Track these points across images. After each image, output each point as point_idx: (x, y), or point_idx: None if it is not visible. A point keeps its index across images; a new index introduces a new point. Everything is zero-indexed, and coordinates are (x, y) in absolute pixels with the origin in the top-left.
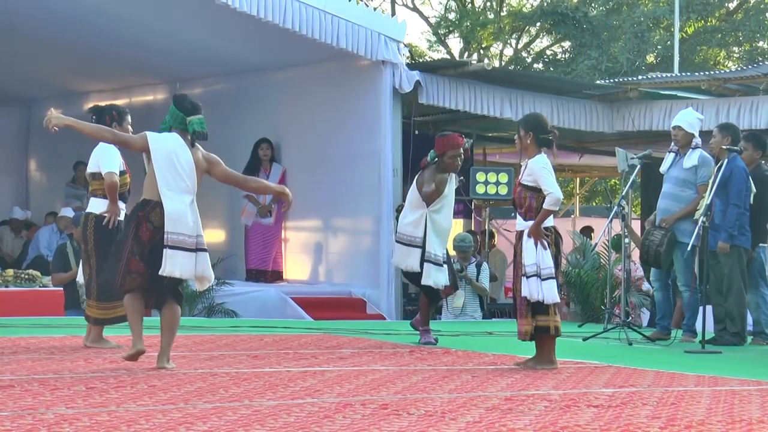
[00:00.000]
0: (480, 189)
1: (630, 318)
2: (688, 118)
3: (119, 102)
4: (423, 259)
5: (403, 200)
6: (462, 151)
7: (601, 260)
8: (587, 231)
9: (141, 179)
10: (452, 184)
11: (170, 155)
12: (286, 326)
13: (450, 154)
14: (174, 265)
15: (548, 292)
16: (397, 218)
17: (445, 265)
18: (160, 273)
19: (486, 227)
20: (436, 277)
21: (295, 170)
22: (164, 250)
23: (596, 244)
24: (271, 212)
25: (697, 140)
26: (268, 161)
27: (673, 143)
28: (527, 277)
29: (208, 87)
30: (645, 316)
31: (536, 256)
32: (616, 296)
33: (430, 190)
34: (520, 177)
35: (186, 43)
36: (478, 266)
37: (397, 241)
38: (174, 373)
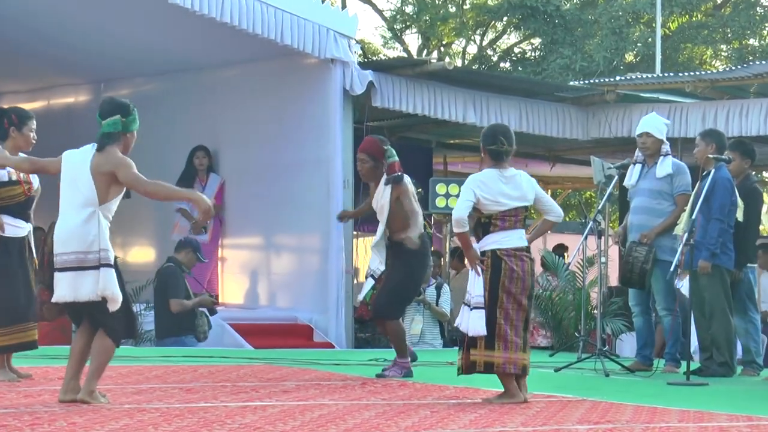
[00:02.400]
0: (440, 202)
1: (607, 346)
2: (656, 123)
3: (37, 105)
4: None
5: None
6: (366, 157)
7: (576, 281)
8: (560, 249)
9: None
10: (381, 194)
11: (74, 169)
12: (223, 356)
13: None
14: (63, 289)
15: (472, 323)
16: None
17: (370, 279)
18: (53, 300)
19: (447, 245)
20: (362, 293)
21: (234, 181)
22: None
23: (570, 263)
24: (207, 228)
25: (666, 146)
26: (204, 171)
27: (637, 153)
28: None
29: (137, 88)
30: (626, 342)
31: (469, 282)
32: (592, 322)
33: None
34: None
35: (112, 38)
36: (438, 288)
37: None
38: (97, 409)
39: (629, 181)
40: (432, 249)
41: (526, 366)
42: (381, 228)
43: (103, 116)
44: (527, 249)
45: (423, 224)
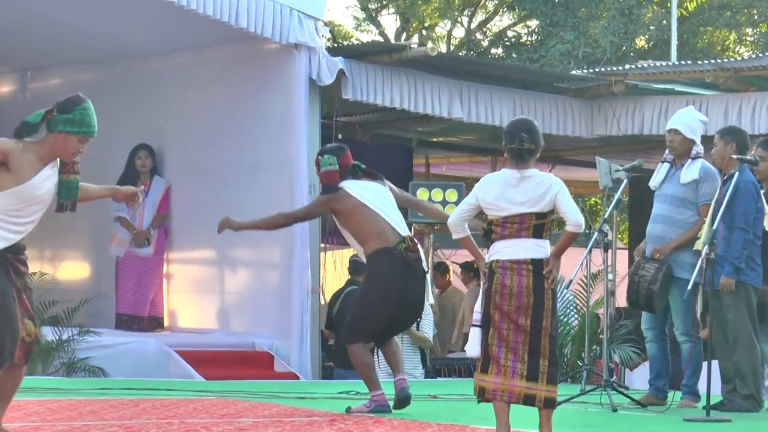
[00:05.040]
0: None
1: (614, 377)
2: (688, 119)
3: None
4: None
5: (328, 223)
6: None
7: (578, 302)
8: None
9: None
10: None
11: None
12: (169, 388)
13: None
14: None
15: (469, 342)
16: None
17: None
18: None
19: (429, 259)
20: None
21: (182, 185)
22: None
23: (571, 281)
24: (150, 240)
25: (699, 148)
26: (147, 173)
27: (667, 151)
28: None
29: (69, 77)
30: (637, 372)
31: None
32: (597, 348)
33: None
34: None
35: (40, 21)
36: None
37: None
38: None
39: (654, 181)
40: None
41: (532, 396)
42: (351, 242)
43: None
44: (534, 261)
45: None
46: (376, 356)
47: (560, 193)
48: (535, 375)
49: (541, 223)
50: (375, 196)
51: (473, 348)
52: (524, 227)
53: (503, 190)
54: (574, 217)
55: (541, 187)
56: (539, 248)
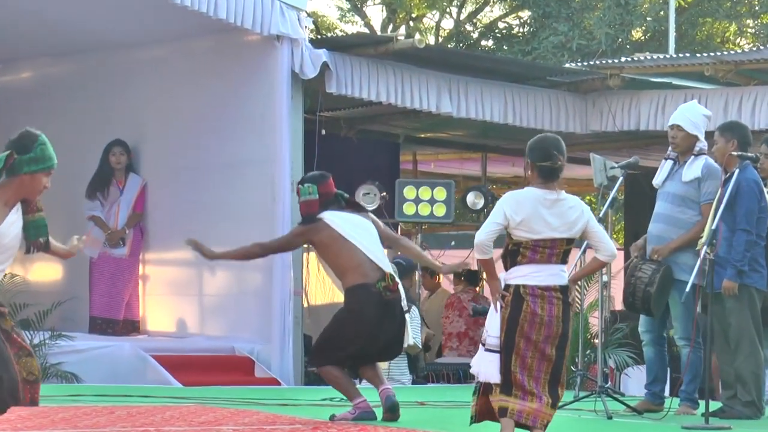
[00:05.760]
0: (409, 209)
1: (609, 382)
2: (691, 114)
3: None
4: None
5: None
6: None
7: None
8: None
9: None
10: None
11: None
12: (145, 395)
13: None
14: None
15: (484, 367)
16: None
17: None
18: None
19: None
20: None
21: (158, 183)
22: None
23: None
24: (125, 240)
25: (702, 144)
26: (122, 171)
27: (670, 148)
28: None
29: (40, 70)
30: (633, 378)
31: (488, 318)
32: (591, 353)
33: None
34: None
35: (8, 12)
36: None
37: None
38: None
39: (656, 179)
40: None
41: (549, 422)
42: (329, 272)
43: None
44: (562, 289)
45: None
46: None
47: (591, 221)
48: (555, 403)
49: (568, 249)
50: (356, 229)
51: (491, 374)
52: (555, 252)
53: (536, 210)
54: (609, 247)
55: (573, 213)
56: (564, 274)
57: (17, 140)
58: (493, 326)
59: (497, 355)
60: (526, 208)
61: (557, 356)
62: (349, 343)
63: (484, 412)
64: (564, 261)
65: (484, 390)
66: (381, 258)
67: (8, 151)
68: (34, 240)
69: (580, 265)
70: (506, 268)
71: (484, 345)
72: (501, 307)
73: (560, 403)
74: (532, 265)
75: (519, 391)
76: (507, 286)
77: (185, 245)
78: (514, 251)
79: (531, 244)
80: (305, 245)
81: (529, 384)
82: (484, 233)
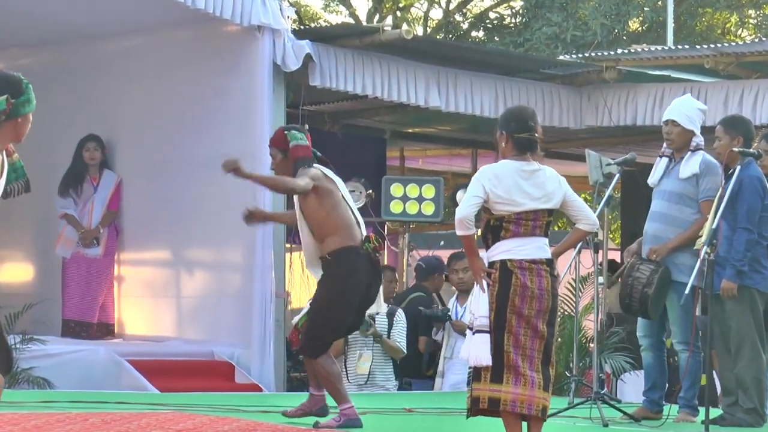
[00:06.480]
0: (396, 207)
1: (605, 389)
2: (685, 108)
3: None
4: None
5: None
6: (273, 150)
7: (565, 308)
8: None
9: None
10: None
11: None
12: (120, 401)
13: None
14: None
15: (474, 349)
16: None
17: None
18: None
19: (405, 261)
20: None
21: (134, 180)
22: None
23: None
24: (99, 239)
25: (699, 139)
26: (96, 167)
27: (665, 145)
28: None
29: (10, 62)
30: (630, 384)
31: (473, 299)
32: (587, 358)
33: None
34: None
35: None
36: (391, 316)
37: None
38: None
39: (652, 178)
40: (386, 264)
41: (546, 407)
42: (304, 242)
43: None
44: (548, 262)
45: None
46: (343, 369)
47: (569, 191)
48: (548, 384)
49: (550, 221)
50: (344, 188)
51: (482, 356)
52: (538, 225)
53: (516, 182)
54: (590, 214)
55: (551, 183)
56: (548, 248)
57: (7, 84)
58: (480, 307)
59: (487, 336)
60: (506, 181)
61: (549, 333)
62: (342, 317)
63: (472, 404)
64: (546, 234)
65: (473, 377)
66: (361, 220)
67: (4, 96)
68: (13, 183)
69: (576, 268)
70: (488, 246)
71: (471, 329)
72: (488, 285)
73: (554, 411)
74: (516, 239)
75: (511, 373)
76: (492, 263)
77: (162, 245)
78: (496, 227)
79: (514, 217)
80: (288, 245)
81: (523, 365)
82: (465, 207)
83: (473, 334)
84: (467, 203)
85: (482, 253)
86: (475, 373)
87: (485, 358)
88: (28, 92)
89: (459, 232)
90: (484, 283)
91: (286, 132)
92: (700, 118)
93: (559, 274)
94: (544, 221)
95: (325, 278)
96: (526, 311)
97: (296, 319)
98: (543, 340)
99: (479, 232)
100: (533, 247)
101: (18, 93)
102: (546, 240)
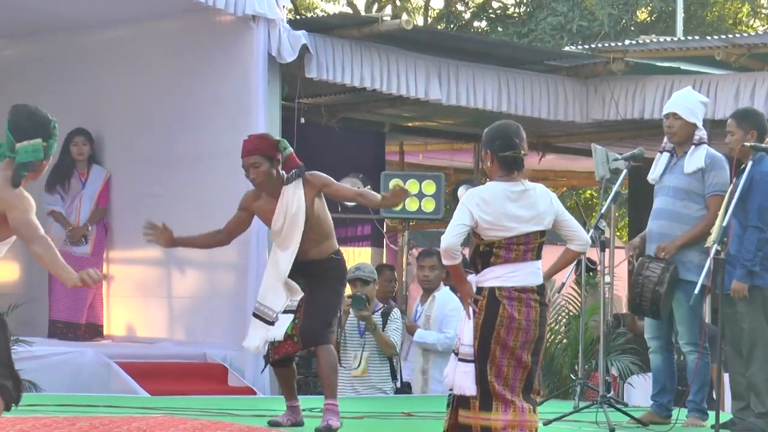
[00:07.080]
0: None
1: (612, 392)
2: (687, 101)
3: None
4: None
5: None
6: (258, 159)
7: (570, 309)
8: None
9: None
10: (290, 199)
11: None
12: (109, 405)
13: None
14: None
15: (458, 378)
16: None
17: (288, 314)
18: None
19: (404, 259)
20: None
21: (123, 175)
22: None
23: (563, 284)
24: (87, 237)
25: (702, 133)
26: (84, 162)
27: (666, 139)
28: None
29: None
30: (637, 387)
31: (460, 325)
32: (593, 362)
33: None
34: None
35: None
36: (386, 315)
37: None
38: None
39: (653, 174)
40: (385, 263)
41: (536, 429)
42: (292, 249)
43: (18, 134)
44: (539, 289)
45: None
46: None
47: (560, 209)
48: (535, 408)
49: (542, 242)
50: None
51: (466, 387)
52: (530, 248)
53: (504, 205)
54: (583, 235)
55: (542, 202)
56: (540, 272)
57: (38, 126)
58: (465, 334)
59: (472, 365)
60: (493, 205)
61: (533, 362)
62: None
63: (454, 428)
64: (539, 256)
65: (457, 402)
66: None
67: (38, 139)
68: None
69: (575, 275)
70: (477, 271)
71: (457, 354)
72: (474, 312)
73: (559, 414)
74: (507, 265)
75: (499, 402)
76: (480, 289)
77: (153, 243)
78: (486, 252)
79: (504, 242)
80: None
81: (507, 393)
82: (451, 237)
83: (458, 360)
84: (453, 232)
85: (471, 277)
86: (461, 400)
87: (470, 389)
88: (56, 132)
89: (445, 262)
90: (470, 309)
91: (276, 139)
92: (702, 110)
93: (549, 302)
94: (536, 243)
95: (331, 275)
96: (511, 343)
97: (282, 331)
98: (526, 370)
99: (468, 254)
100: (524, 273)
101: (48, 135)
102: (538, 263)
